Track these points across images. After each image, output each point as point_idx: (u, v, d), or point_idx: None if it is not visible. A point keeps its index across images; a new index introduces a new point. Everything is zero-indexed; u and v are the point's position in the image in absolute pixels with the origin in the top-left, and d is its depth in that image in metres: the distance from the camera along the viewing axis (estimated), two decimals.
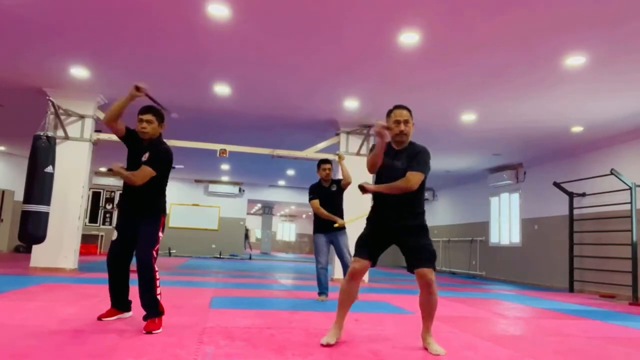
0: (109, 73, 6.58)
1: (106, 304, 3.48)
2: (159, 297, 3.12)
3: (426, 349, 2.93)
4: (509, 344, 3.29)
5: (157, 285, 3.13)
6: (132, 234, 3.23)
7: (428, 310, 2.99)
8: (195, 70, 6.29)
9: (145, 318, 3.10)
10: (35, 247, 7.12)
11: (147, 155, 3.20)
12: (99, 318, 3.30)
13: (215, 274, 8.60)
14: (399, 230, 3.02)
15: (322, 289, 5.19)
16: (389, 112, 3.14)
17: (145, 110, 3.26)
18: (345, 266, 5.00)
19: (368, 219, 3.15)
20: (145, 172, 3.16)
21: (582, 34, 4.76)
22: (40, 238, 6.19)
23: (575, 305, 6.26)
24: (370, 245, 3.04)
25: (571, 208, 8.94)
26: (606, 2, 4.16)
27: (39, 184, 6.04)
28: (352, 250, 3.27)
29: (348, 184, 5.19)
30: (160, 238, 3.25)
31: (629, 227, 7.40)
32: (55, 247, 7.11)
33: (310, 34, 5.11)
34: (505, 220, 11.75)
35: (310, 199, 5.25)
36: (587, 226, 8.73)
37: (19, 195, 8.23)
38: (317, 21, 4.83)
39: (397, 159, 3.05)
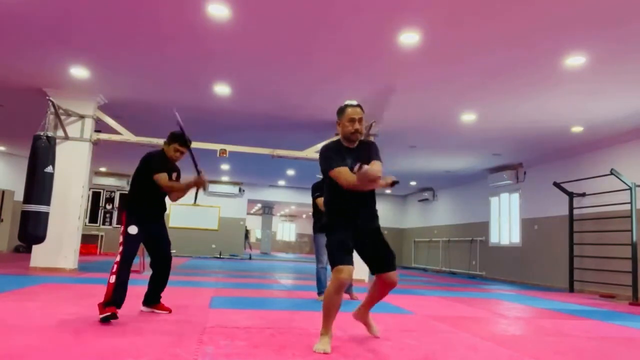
0: (109, 73, 6.58)
1: None
2: None
3: (368, 328, 3.25)
4: (509, 344, 3.29)
5: None
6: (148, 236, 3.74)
7: (378, 300, 3.24)
8: (195, 70, 6.29)
9: (157, 302, 3.84)
10: (35, 247, 7.12)
11: (175, 175, 3.92)
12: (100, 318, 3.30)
13: (215, 274, 8.60)
14: (367, 231, 2.97)
15: (322, 289, 5.20)
16: (342, 110, 3.07)
17: (185, 144, 3.76)
18: None
19: (337, 220, 2.95)
20: None
21: (582, 34, 4.76)
22: (40, 238, 6.18)
23: (575, 305, 6.26)
24: (351, 250, 2.89)
25: (571, 208, 8.93)
26: (606, 2, 4.16)
27: (39, 184, 6.04)
28: None
29: None
30: None
31: (629, 227, 7.40)
32: (55, 247, 7.11)
33: (310, 33, 5.11)
34: (505, 220, 11.76)
35: (316, 197, 5.20)
36: (587, 226, 8.72)
37: (19, 195, 8.22)
38: (317, 21, 4.83)
39: (350, 157, 2.96)
